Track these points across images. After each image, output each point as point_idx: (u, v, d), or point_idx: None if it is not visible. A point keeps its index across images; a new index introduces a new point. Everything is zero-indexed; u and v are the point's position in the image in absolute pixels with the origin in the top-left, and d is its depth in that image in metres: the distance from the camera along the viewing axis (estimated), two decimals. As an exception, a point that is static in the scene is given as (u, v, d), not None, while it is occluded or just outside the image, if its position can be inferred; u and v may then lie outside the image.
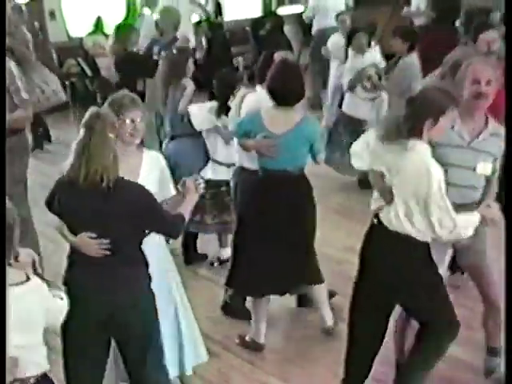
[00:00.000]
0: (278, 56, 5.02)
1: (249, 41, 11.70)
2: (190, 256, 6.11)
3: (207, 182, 4.37)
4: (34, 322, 2.77)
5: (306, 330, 5.15)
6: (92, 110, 3.33)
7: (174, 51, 6.49)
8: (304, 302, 5.22)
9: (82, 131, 3.28)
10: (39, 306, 2.78)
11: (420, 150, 3.54)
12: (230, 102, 5.40)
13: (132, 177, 3.49)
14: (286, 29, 11.56)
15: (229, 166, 5.59)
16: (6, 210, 2.64)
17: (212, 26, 11.53)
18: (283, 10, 12.47)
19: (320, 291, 4.91)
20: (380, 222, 3.72)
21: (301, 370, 4.70)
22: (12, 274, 2.69)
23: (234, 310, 5.24)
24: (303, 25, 12.05)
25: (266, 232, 4.62)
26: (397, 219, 3.62)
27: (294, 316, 5.40)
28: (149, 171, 3.79)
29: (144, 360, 3.50)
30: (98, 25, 11.25)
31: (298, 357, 4.84)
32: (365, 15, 10.07)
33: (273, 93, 4.54)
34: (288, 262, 4.67)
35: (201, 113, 5.61)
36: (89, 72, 11.02)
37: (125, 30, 8.13)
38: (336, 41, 8.66)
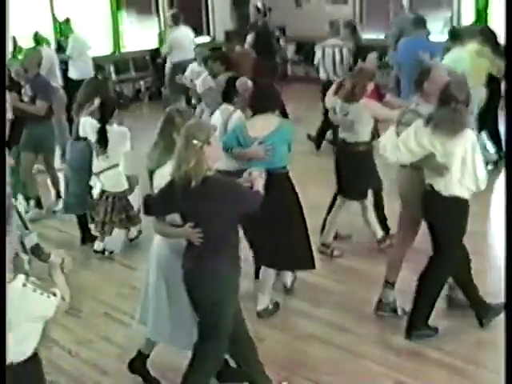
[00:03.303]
0: (240, 80, 6.11)
1: (148, 67, 14.35)
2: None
3: None
4: (13, 318, 3.17)
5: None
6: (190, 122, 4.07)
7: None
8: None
9: (179, 139, 3.97)
10: (15, 303, 3.17)
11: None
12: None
13: None
14: None
15: None
16: None
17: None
18: None
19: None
20: (433, 189, 4.86)
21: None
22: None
23: None
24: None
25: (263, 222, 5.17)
26: (449, 185, 4.76)
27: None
28: None
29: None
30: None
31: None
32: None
33: (254, 102, 5.49)
34: (281, 247, 5.40)
35: None
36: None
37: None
38: (193, 67, 9.56)
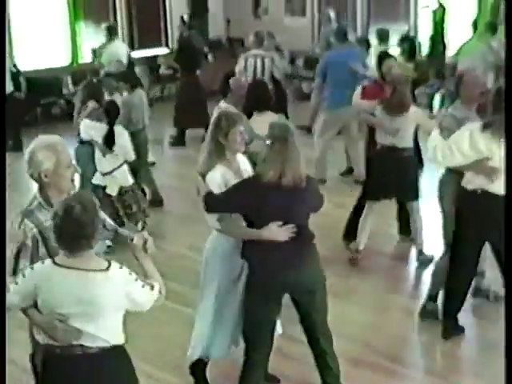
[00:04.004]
0: (234, 78, 6.71)
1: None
2: None
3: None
4: (104, 303, 3.20)
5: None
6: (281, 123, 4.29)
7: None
8: None
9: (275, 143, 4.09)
10: (116, 290, 3.23)
11: None
12: None
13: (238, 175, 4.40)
14: (137, 69, 13.10)
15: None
16: (88, 206, 3.19)
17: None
18: (134, 54, 13.87)
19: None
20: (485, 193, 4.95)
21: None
22: (95, 262, 3.24)
23: None
24: (152, 66, 14.17)
25: None
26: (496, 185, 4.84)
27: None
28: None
29: (313, 309, 4.35)
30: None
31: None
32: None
33: (253, 102, 5.95)
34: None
35: None
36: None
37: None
38: None
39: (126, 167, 7.07)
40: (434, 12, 13.34)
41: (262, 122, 5.21)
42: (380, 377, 4.93)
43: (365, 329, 5.57)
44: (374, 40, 10.53)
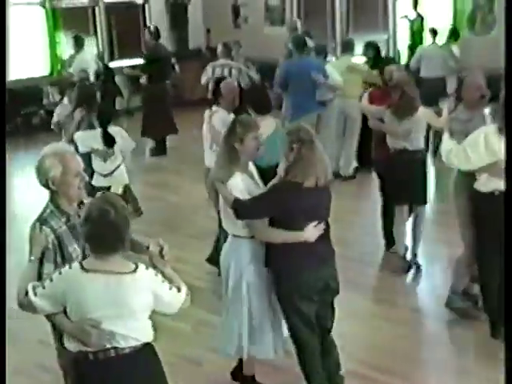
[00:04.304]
0: (225, 82, 6.78)
1: None
2: None
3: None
4: (134, 304, 3.25)
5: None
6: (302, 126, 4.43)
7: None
8: None
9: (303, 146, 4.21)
10: (145, 291, 3.27)
11: None
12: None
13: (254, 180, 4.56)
14: (117, 79, 13.52)
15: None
16: (120, 208, 3.24)
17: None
18: (113, 64, 14.21)
19: None
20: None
21: None
22: (123, 264, 3.26)
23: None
24: (132, 76, 13.73)
25: None
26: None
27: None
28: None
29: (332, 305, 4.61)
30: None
31: None
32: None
33: (255, 106, 6.00)
34: None
35: None
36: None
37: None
38: None
39: (123, 166, 7.12)
40: (412, 21, 13.46)
41: (264, 126, 5.32)
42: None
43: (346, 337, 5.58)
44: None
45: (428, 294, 6.60)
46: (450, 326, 5.75)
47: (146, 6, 15.63)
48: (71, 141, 7.09)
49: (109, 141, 6.90)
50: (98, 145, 6.91)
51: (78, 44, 11.84)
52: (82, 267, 3.26)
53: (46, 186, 3.68)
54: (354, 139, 9.85)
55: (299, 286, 4.33)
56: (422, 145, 6.63)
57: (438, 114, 6.50)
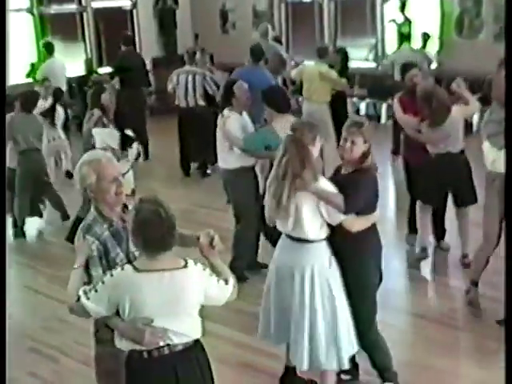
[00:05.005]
0: (237, 84, 6.73)
1: (75, 94, 13.65)
2: None
3: None
4: (186, 300, 3.31)
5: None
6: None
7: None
8: None
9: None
10: (196, 286, 3.33)
11: None
12: None
13: None
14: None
15: None
16: (166, 205, 3.29)
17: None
18: (102, 70, 14.25)
19: None
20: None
21: None
22: (174, 261, 3.31)
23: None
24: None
25: None
26: None
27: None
28: None
29: None
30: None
31: None
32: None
33: (275, 106, 6.38)
34: None
35: None
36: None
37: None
38: None
39: (131, 171, 7.14)
40: (400, 25, 13.51)
41: (286, 122, 5.49)
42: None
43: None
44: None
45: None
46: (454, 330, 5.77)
47: (134, 11, 15.64)
48: (90, 136, 7.01)
49: (126, 143, 6.96)
50: (115, 144, 6.90)
51: (48, 50, 11.77)
52: (135, 268, 3.29)
53: (86, 193, 3.70)
54: (330, 143, 9.72)
55: (375, 272, 4.65)
56: (461, 145, 6.61)
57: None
